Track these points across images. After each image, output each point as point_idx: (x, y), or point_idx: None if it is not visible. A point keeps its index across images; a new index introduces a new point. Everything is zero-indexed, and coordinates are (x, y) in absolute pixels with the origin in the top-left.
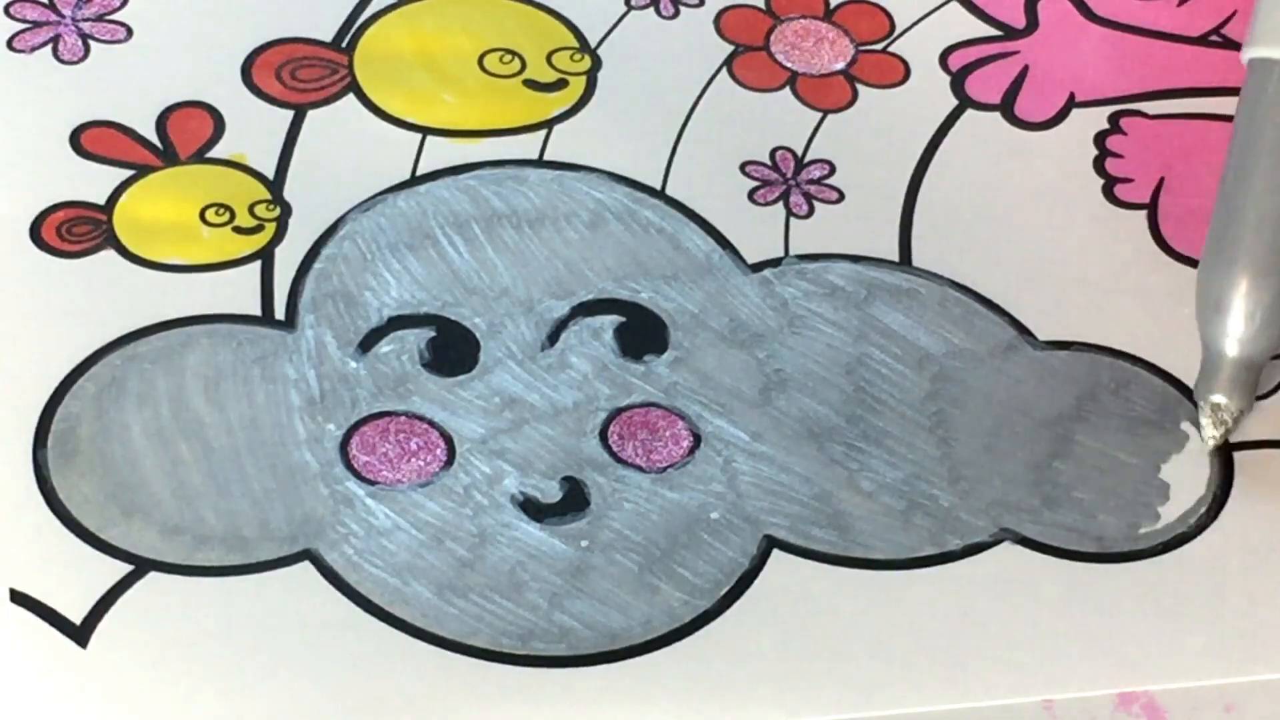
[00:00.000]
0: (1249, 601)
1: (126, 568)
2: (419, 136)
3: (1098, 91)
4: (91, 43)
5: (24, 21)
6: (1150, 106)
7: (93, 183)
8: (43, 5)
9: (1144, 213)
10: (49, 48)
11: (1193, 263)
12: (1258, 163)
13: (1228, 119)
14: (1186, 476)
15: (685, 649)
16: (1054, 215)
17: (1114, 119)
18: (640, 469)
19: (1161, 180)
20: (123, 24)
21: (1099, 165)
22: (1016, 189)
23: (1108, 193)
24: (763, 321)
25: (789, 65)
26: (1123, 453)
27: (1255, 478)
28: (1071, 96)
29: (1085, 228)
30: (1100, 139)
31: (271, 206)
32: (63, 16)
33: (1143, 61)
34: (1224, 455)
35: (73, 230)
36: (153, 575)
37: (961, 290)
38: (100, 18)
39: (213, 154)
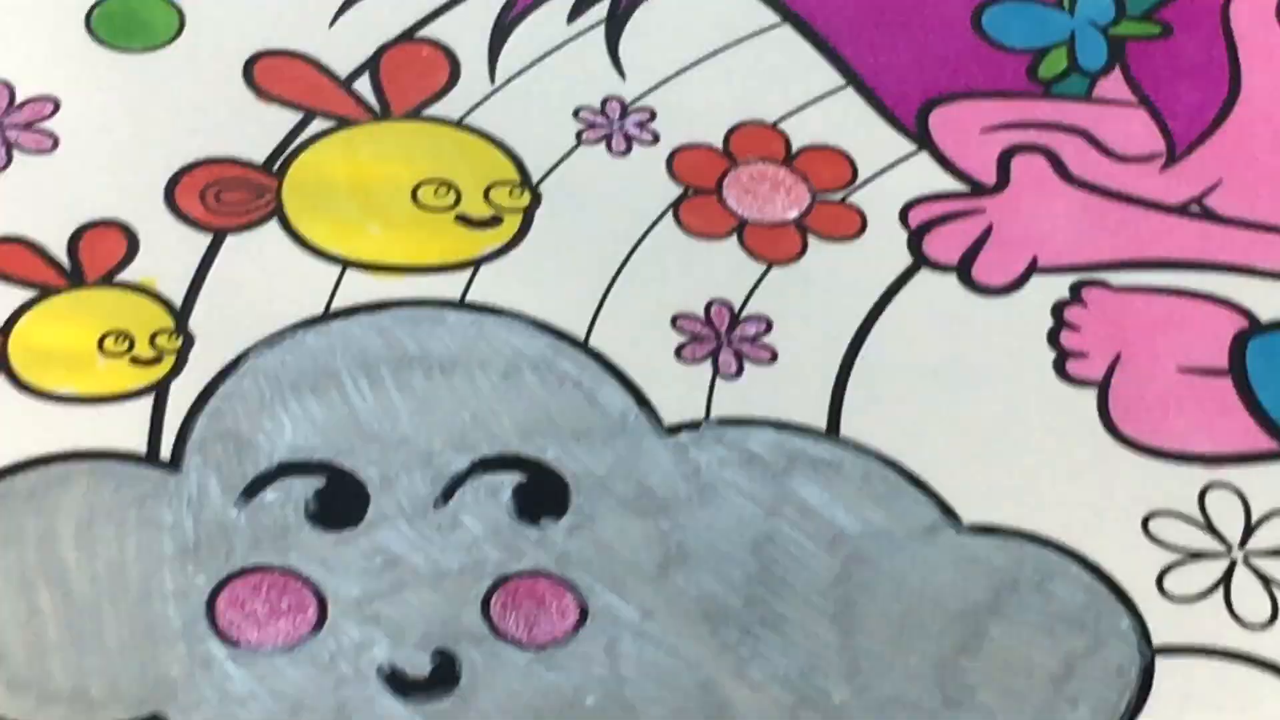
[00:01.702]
0: None
1: None
2: (338, 269)
3: (1062, 256)
4: (15, 151)
5: None
6: (1116, 277)
7: None
8: None
9: (1094, 391)
10: None
11: (1141, 449)
12: None
13: (1198, 296)
14: (1101, 686)
15: None
16: (998, 388)
17: (1075, 288)
18: (519, 644)
19: (1117, 358)
20: (50, 133)
21: (1053, 337)
22: (961, 358)
23: (1058, 367)
24: (671, 489)
25: (739, 212)
26: (1037, 653)
27: (1176, 693)
28: (1034, 261)
29: (1030, 404)
30: (1058, 309)
31: (174, 336)
32: None
33: (1114, 228)
34: (1145, 667)
35: None
36: None
37: (888, 465)
38: (29, 125)
39: (122, 276)
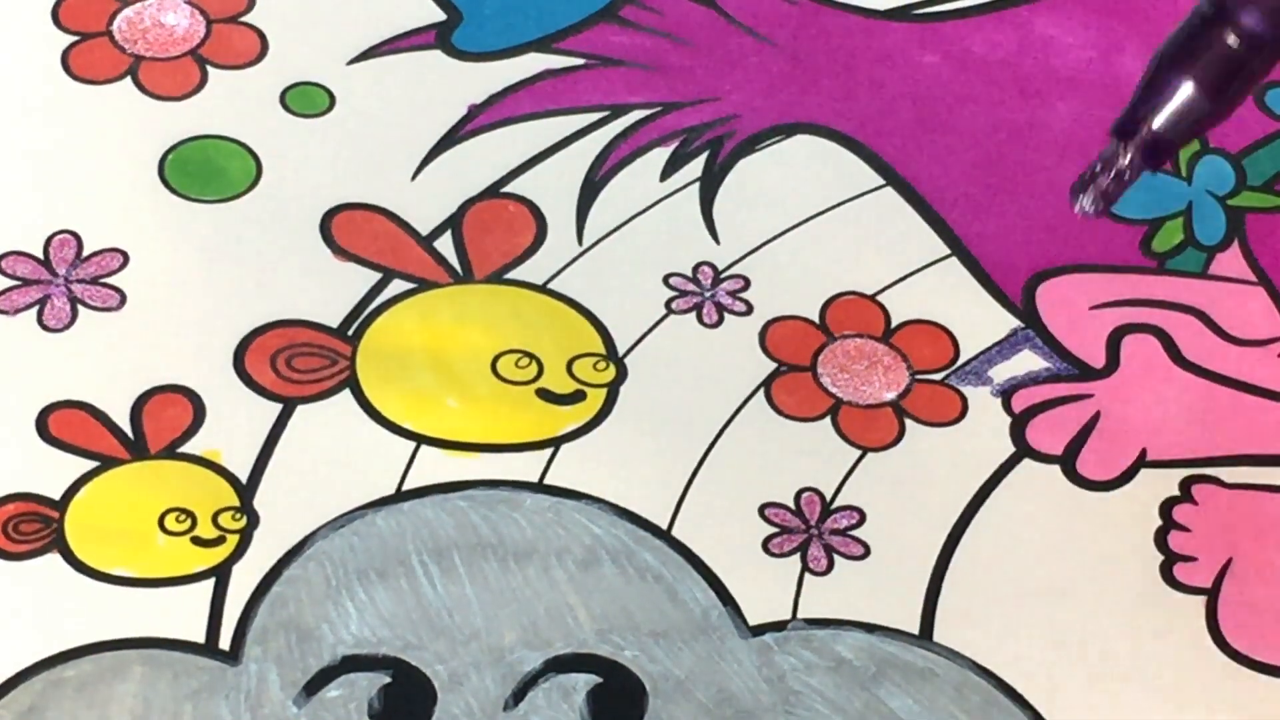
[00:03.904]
0: None
1: None
2: (412, 445)
3: (1173, 450)
4: (80, 308)
5: (14, 278)
6: (1228, 473)
7: (52, 473)
8: (37, 261)
9: (1203, 599)
10: (34, 310)
11: (1251, 665)
12: None
13: None
14: None
15: None
16: (1101, 594)
17: (1185, 485)
18: None
19: (1228, 563)
20: (117, 289)
21: (1161, 539)
22: (1063, 558)
23: (1166, 572)
24: (754, 696)
25: (834, 391)
26: None
27: None
28: (1143, 454)
29: (1134, 611)
30: (1167, 508)
31: (238, 516)
32: (56, 276)
33: (1229, 418)
34: None
35: (20, 527)
36: None
37: (983, 674)
38: (95, 280)
39: (186, 448)
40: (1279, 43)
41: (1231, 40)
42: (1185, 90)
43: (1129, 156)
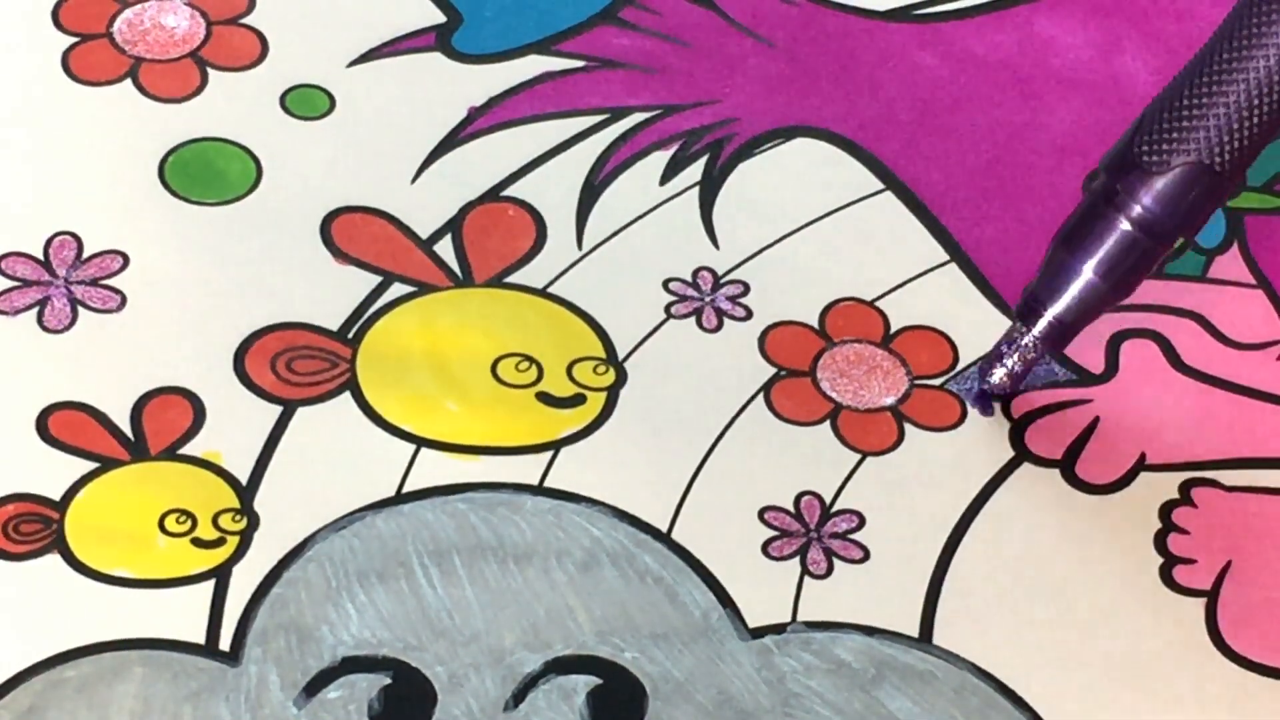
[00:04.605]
0: None
1: None
2: (412, 448)
3: (1172, 454)
4: (80, 309)
5: (14, 279)
6: (1228, 476)
7: (52, 474)
8: (37, 262)
9: (1202, 601)
10: (35, 311)
11: (1252, 666)
12: None
13: None
14: None
15: None
16: (1101, 596)
17: (1185, 488)
18: None
19: (1228, 565)
20: (118, 291)
21: (1160, 542)
22: (1062, 561)
23: (1165, 574)
24: (754, 698)
25: (833, 396)
26: None
27: None
28: (1142, 457)
29: (1134, 614)
30: (1166, 510)
31: (238, 517)
32: (56, 277)
33: (1229, 422)
34: None
35: (20, 528)
36: None
37: (983, 676)
38: (95, 281)
39: (186, 449)
40: (1174, 229)
41: (1127, 226)
42: (1084, 276)
43: (1031, 340)
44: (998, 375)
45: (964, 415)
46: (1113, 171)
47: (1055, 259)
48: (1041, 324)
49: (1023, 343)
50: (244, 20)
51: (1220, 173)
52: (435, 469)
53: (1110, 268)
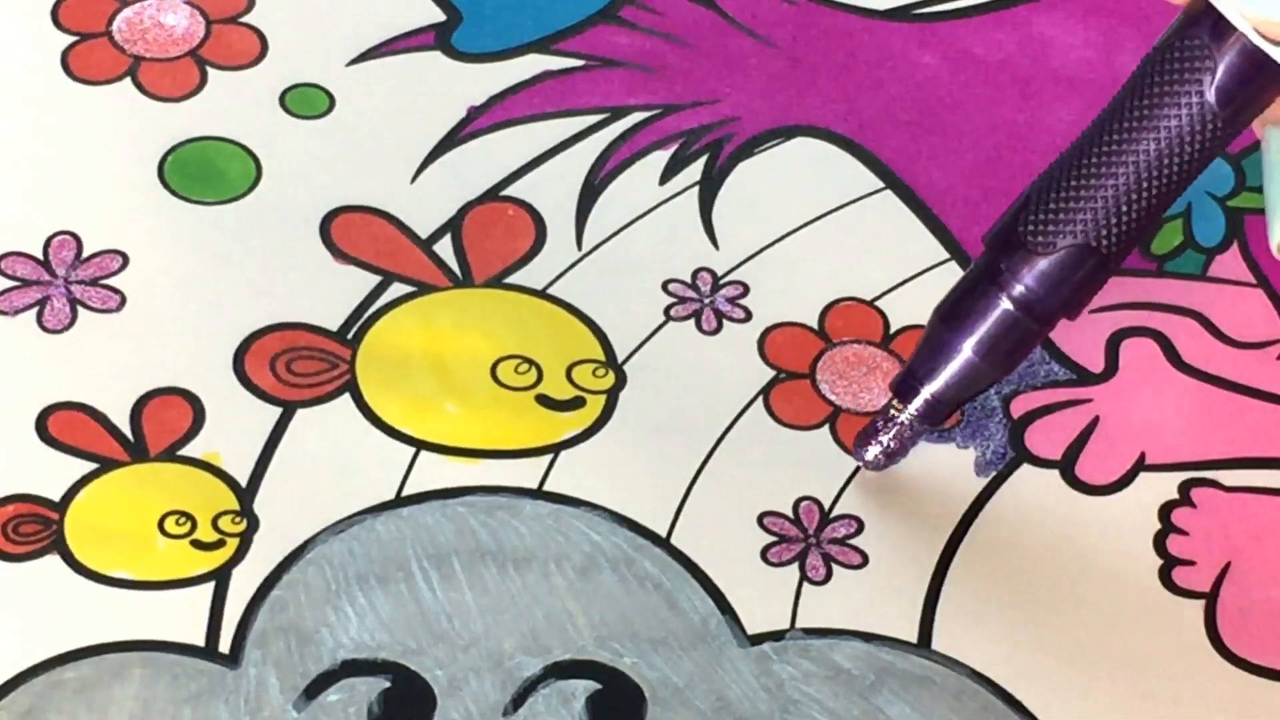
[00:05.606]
0: None
1: None
2: (412, 451)
3: (1172, 454)
4: (80, 309)
5: (13, 279)
6: (1228, 476)
7: (52, 475)
8: (37, 262)
9: (1202, 603)
10: (34, 311)
11: (1250, 669)
12: None
13: None
14: None
15: None
16: (1100, 598)
17: (1184, 488)
18: None
19: (1227, 567)
20: (117, 291)
21: (1160, 543)
22: (1061, 564)
23: (1165, 576)
24: (752, 704)
25: (833, 398)
26: None
27: None
28: (1142, 457)
29: (1133, 615)
30: (1165, 511)
31: (238, 519)
32: (56, 277)
33: (1228, 422)
34: None
35: (20, 529)
36: None
37: (982, 681)
38: (95, 281)
39: (186, 450)
40: (1056, 311)
41: (1009, 305)
42: (963, 354)
43: (907, 418)
44: (871, 453)
45: (964, 416)
46: (996, 249)
47: (934, 336)
48: (918, 401)
49: (899, 420)
50: (243, 19)
51: (1106, 255)
52: (435, 472)
53: (990, 347)
